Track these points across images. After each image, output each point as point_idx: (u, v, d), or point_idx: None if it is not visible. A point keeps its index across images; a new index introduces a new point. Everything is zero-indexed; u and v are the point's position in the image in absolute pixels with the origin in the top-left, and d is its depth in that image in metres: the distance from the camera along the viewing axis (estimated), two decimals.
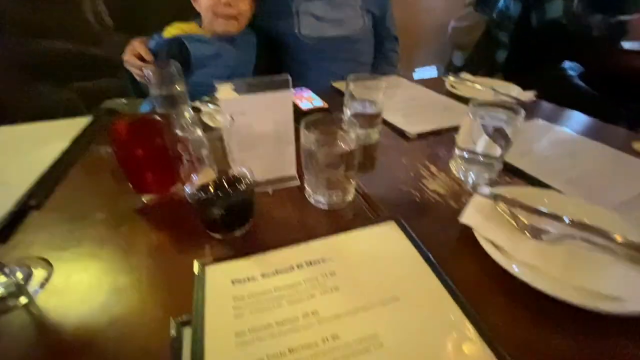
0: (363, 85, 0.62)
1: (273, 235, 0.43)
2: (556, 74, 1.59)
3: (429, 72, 2.18)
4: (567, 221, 0.41)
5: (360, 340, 0.29)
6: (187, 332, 0.31)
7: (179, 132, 0.40)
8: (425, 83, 0.95)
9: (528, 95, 0.83)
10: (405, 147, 0.65)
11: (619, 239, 0.38)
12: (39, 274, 0.37)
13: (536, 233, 0.40)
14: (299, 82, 0.89)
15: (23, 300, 0.35)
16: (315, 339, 0.30)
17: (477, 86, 0.88)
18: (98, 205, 0.48)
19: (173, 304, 0.34)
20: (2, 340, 0.32)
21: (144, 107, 0.96)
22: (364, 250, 0.39)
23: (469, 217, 0.42)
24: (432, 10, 2.01)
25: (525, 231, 0.41)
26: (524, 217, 0.42)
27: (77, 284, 0.37)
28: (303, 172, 0.48)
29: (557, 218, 0.42)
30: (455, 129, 0.56)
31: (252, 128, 0.46)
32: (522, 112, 0.48)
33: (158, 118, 0.47)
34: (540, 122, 0.73)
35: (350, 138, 0.44)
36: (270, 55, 1.11)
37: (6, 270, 0.36)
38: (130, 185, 0.49)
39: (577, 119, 0.78)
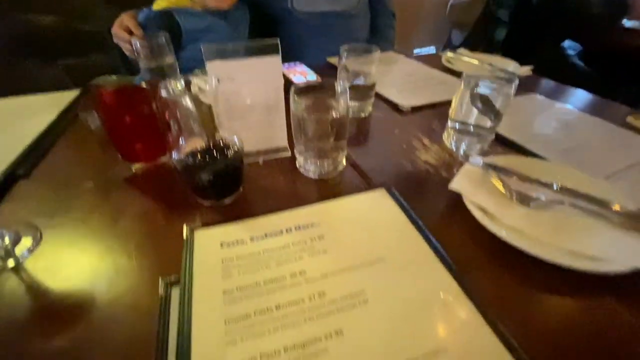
0: (357, 57, 0.61)
1: (263, 203, 0.43)
2: (555, 54, 1.57)
3: (428, 52, 2.14)
4: (555, 187, 0.41)
5: (346, 297, 0.30)
6: (176, 292, 0.31)
7: (166, 97, 0.39)
8: (422, 59, 0.94)
9: (525, 70, 0.82)
10: (399, 120, 0.64)
11: (606, 204, 0.38)
12: (27, 238, 0.37)
13: (525, 200, 0.40)
14: (293, 58, 0.87)
15: (11, 263, 0.35)
16: (302, 296, 0.30)
17: (474, 61, 0.87)
18: (87, 174, 0.48)
19: (162, 266, 0.34)
20: None
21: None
22: (352, 215, 0.40)
23: (458, 183, 0.42)
24: None
25: (514, 198, 0.41)
26: (513, 185, 0.42)
27: (66, 248, 0.37)
28: (294, 143, 0.48)
29: (546, 185, 0.42)
30: (450, 103, 0.55)
31: (240, 95, 0.45)
32: (516, 81, 0.47)
33: (145, 86, 0.46)
34: (535, 97, 0.72)
35: (341, 106, 0.43)
36: (263, 30, 1.08)
37: None
38: (119, 156, 0.48)
39: (574, 94, 0.77)
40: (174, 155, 0.39)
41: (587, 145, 0.56)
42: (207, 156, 0.39)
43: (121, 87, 0.46)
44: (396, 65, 0.90)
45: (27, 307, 0.32)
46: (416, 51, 2.13)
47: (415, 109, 0.66)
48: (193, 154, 0.39)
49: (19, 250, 0.36)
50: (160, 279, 0.32)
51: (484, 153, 0.52)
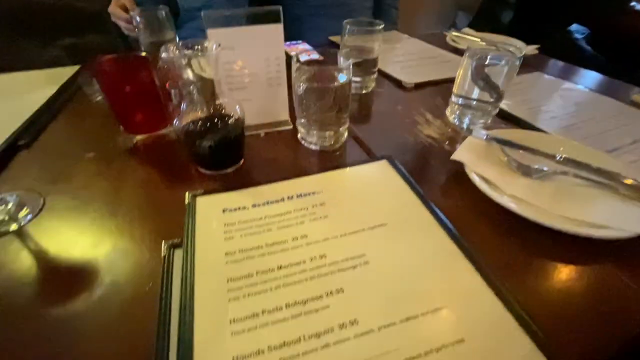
0: (360, 31, 0.60)
1: (264, 173, 0.43)
2: (562, 37, 1.54)
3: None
4: (558, 158, 0.41)
5: (347, 259, 0.30)
6: (178, 254, 0.31)
7: (166, 61, 0.38)
8: (426, 38, 0.92)
9: (531, 49, 0.81)
10: (402, 96, 0.63)
11: (614, 174, 0.37)
12: (30, 204, 0.37)
13: (527, 171, 0.40)
14: (293, 38, 0.86)
15: (14, 227, 0.35)
16: (303, 258, 0.30)
17: (478, 40, 0.85)
18: (88, 145, 0.47)
19: (164, 230, 0.34)
20: None
21: None
22: (354, 184, 0.40)
23: (461, 154, 0.42)
24: None
25: (517, 169, 0.40)
26: (516, 156, 0.42)
27: (69, 213, 0.37)
28: (295, 115, 0.48)
29: (549, 156, 0.41)
30: (453, 80, 0.54)
31: (241, 65, 0.45)
32: (520, 54, 0.47)
33: (145, 55, 0.46)
34: (541, 75, 0.71)
35: (343, 77, 0.43)
36: None
37: None
38: (121, 128, 0.48)
39: (580, 74, 0.76)
40: (175, 122, 0.38)
41: (592, 122, 0.55)
42: (208, 123, 0.38)
43: (121, 55, 0.45)
44: (399, 44, 0.89)
45: (30, 269, 0.32)
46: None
47: (419, 86, 0.65)
48: (194, 121, 0.39)
49: (22, 214, 0.36)
50: (163, 242, 0.32)
51: (487, 128, 0.51)
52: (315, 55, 0.80)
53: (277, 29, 0.44)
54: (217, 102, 0.39)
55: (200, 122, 0.39)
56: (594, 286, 0.30)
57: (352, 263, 0.30)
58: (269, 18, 0.43)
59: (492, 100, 0.50)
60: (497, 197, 0.36)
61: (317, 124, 0.45)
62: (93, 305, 0.28)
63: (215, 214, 0.35)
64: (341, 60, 0.44)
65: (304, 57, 0.77)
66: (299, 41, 0.84)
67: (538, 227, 0.33)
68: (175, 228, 0.34)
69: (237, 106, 0.40)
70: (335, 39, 0.90)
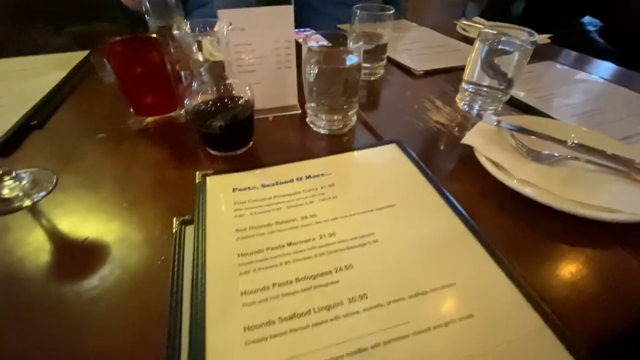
0: (370, 16, 0.60)
1: (273, 156, 0.43)
2: (574, 29, 1.51)
3: None
4: (570, 143, 0.40)
5: (356, 238, 0.30)
6: (189, 230, 0.32)
7: (178, 37, 0.38)
8: (435, 27, 0.91)
9: (542, 38, 0.79)
10: (411, 83, 0.63)
11: (630, 161, 0.37)
12: (43, 181, 0.38)
13: (537, 156, 0.40)
14: (302, 26, 0.85)
15: (28, 203, 0.35)
16: (313, 235, 0.30)
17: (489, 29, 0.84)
18: (100, 126, 0.48)
19: (174, 208, 0.35)
20: (11, 235, 0.33)
21: None
22: (363, 166, 0.40)
23: (471, 138, 0.41)
24: None
25: (527, 154, 0.40)
26: (526, 141, 0.41)
27: (80, 191, 0.38)
28: (304, 100, 0.48)
29: (560, 142, 0.41)
30: (464, 69, 0.54)
31: (251, 47, 0.44)
32: (533, 38, 0.46)
33: (156, 37, 0.46)
34: (553, 64, 0.70)
35: (354, 58, 0.43)
36: None
37: (13, 174, 0.37)
38: (132, 110, 0.48)
39: (592, 63, 0.75)
40: (186, 102, 0.39)
41: (604, 110, 0.54)
42: (218, 104, 0.39)
43: (132, 36, 0.45)
44: (409, 32, 0.88)
45: (44, 243, 0.32)
46: None
47: (428, 73, 0.65)
48: (205, 102, 0.39)
49: (36, 191, 0.37)
50: (174, 219, 0.32)
51: (497, 115, 0.51)
52: (324, 42, 0.79)
53: (288, 10, 0.43)
54: (227, 82, 0.40)
55: (210, 103, 0.39)
56: (603, 269, 0.30)
57: (361, 241, 0.30)
58: (279, 0, 0.43)
59: (502, 87, 0.50)
60: (506, 180, 0.36)
61: (326, 107, 0.45)
62: (106, 278, 0.29)
63: (225, 192, 0.35)
64: (351, 44, 0.43)
65: (312, 45, 0.77)
66: (308, 29, 0.84)
67: (548, 211, 0.33)
68: (185, 206, 0.34)
69: (247, 87, 0.40)
70: (344, 27, 0.89)
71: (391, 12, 0.59)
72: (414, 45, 0.79)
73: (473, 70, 0.51)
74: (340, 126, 0.47)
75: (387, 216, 0.32)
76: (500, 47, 0.48)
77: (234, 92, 0.40)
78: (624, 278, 0.29)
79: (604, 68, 0.72)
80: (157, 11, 0.66)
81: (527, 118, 0.48)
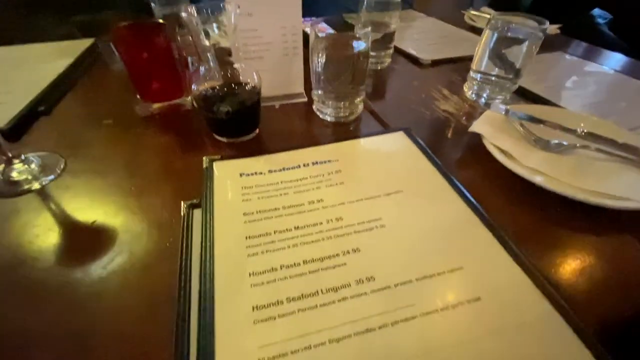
0: (377, 6, 0.59)
1: (279, 143, 0.43)
2: (584, 22, 1.48)
3: None
4: (579, 132, 0.40)
5: (363, 222, 0.30)
6: (197, 214, 0.32)
7: (185, 21, 0.38)
8: (443, 17, 0.89)
9: (552, 29, 0.78)
10: (418, 72, 0.62)
11: (633, 147, 0.37)
12: (52, 165, 0.38)
13: (547, 144, 0.40)
14: (305, 13, 0.84)
15: (37, 186, 0.36)
16: (320, 220, 0.30)
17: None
18: (107, 112, 0.48)
19: (182, 192, 0.35)
20: (20, 217, 0.33)
21: None
22: (370, 153, 0.40)
23: (479, 126, 0.41)
24: None
25: (535, 143, 0.40)
26: (535, 130, 0.41)
27: (88, 175, 0.38)
28: (311, 87, 0.47)
29: (569, 131, 0.41)
30: (471, 58, 0.53)
31: (258, 33, 0.44)
32: (544, 26, 0.45)
33: (162, 22, 0.45)
34: (562, 55, 0.69)
35: (361, 44, 0.42)
36: None
37: (22, 157, 0.37)
38: (138, 97, 0.48)
39: (602, 54, 0.74)
40: (193, 87, 0.39)
41: (613, 100, 0.53)
42: (225, 89, 0.38)
43: (139, 22, 0.45)
44: (416, 22, 0.87)
45: (52, 225, 0.33)
46: None
47: (435, 63, 0.64)
48: (212, 87, 0.39)
49: (44, 175, 0.37)
50: (182, 202, 0.33)
51: (505, 104, 0.50)
52: (330, 32, 0.79)
53: None
54: (234, 68, 0.39)
55: (217, 88, 0.39)
56: (612, 256, 0.30)
57: (368, 226, 0.30)
58: None
59: (511, 76, 0.49)
60: (515, 168, 0.36)
61: (333, 94, 0.45)
62: (115, 259, 0.29)
63: (232, 177, 0.35)
64: (358, 30, 0.43)
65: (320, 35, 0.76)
66: (313, 18, 0.83)
67: (556, 198, 0.33)
68: (192, 191, 0.34)
69: (254, 73, 0.40)
70: (350, 18, 0.88)
71: (398, 0, 0.58)
72: (421, 35, 0.78)
73: (481, 59, 0.50)
74: (347, 114, 0.46)
75: (394, 202, 0.32)
76: (510, 35, 0.47)
77: (240, 78, 0.40)
78: (633, 265, 0.29)
79: (614, 59, 0.71)
80: None
81: (536, 107, 0.48)
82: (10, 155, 0.37)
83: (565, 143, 0.39)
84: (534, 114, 0.43)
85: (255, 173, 0.36)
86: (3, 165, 0.37)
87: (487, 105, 0.49)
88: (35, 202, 0.35)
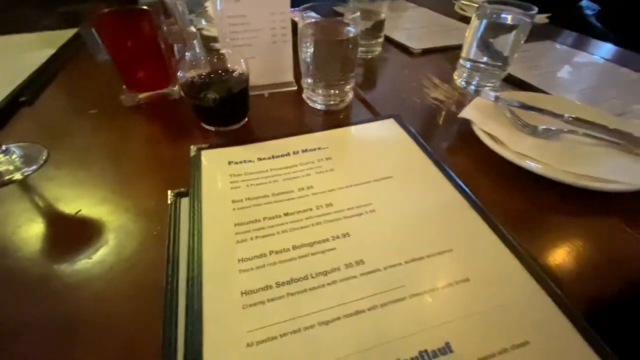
0: None
1: (269, 131, 0.43)
2: (573, 14, 1.50)
3: None
4: (566, 117, 0.40)
5: (353, 208, 0.30)
6: (184, 202, 0.31)
7: (171, 18, 0.37)
8: (433, 7, 0.89)
9: (541, 18, 0.78)
10: (408, 61, 0.62)
11: (626, 133, 0.37)
12: (34, 155, 0.37)
13: (535, 130, 0.40)
14: (294, 3, 0.83)
15: (18, 176, 0.35)
16: (310, 206, 0.30)
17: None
18: (91, 102, 0.47)
19: (168, 181, 0.34)
20: (2, 208, 0.32)
21: None
22: (360, 140, 0.39)
23: (468, 112, 0.41)
24: None
25: (524, 128, 0.40)
26: (523, 116, 0.41)
27: (72, 165, 0.37)
28: (301, 76, 0.47)
29: (557, 116, 0.41)
30: (461, 47, 0.53)
31: (246, 19, 0.43)
32: (532, 12, 0.45)
33: (147, 8, 0.44)
34: (551, 43, 0.70)
35: (351, 29, 0.42)
36: None
37: (3, 147, 0.36)
38: (124, 86, 0.47)
39: (590, 43, 0.74)
40: (180, 74, 0.38)
41: (601, 87, 0.54)
42: (212, 76, 0.38)
43: (123, 9, 0.44)
44: (406, 12, 0.86)
45: (35, 217, 0.32)
46: None
47: (426, 52, 0.64)
48: (199, 74, 0.38)
49: (26, 165, 0.36)
50: (169, 191, 0.32)
51: (495, 91, 0.50)
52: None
53: None
54: (221, 54, 0.39)
55: (204, 75, 0.38)
56: (598, 237, 0.30)
57: (357, 211, 0.30)
58: None
59: (500, 63, 0.49)
60: (504, 153, 0.36)
61: (322, 81, 0.44)
62: (100, 248, 0.28)
63: (220, 165, 0.35)
64: (348, 15, 0.42)
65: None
66: (301, 7, 0.82)
67: (544, 182, 0.33)
68: (179, 180, 0.33)
69: (242, 60, 0.39)
70: (342, 9, 0.87)
71: None
72: (412, 24, 0.77)
73: (471, 47, 0.50)
74: (337, 101, 0.46)
75: (384, 187, 0.32)
76: (498, 21, 0.47)
77: (228, 65, 0.40)
78: (618, 245, 0.30)
79: (603, 48, 0.72)
80: None
81: (525, 94, 0.48)
82: None
83: (553, 128, 0.39)
84: (523, 101, 0.43)
85: (244, 161, 0.35)
86: None
87: (477, 92, 0.49)
88: (17, 193, 0.34)
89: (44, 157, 0.37)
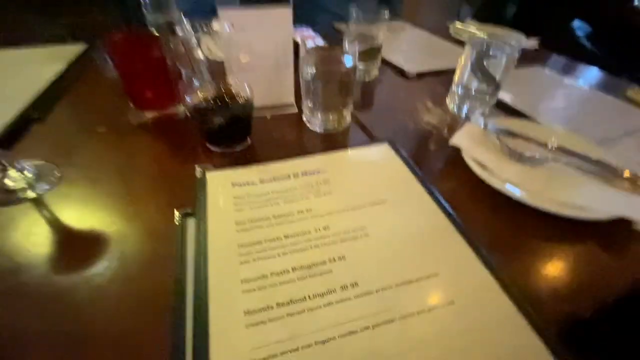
0: (365, 18, 0.61)
1: (270, 152, 0.45)
2: (564, 34, 1.55)
3: None
4: (550, 147, 0.43)
5: (348, 231, 0.32)
6: (190, 222, 0.33)
7: (180, 37, 0.40)
8: (430, 29, 0.93)
9: (531, 43, 0.82)
10: (404, 84, 0.65)
11: (609, 166, 0.40)
12: (47, 173, 0.39)
13: (521, 157, 0.42)
14: (296, 20, 0.86)
15: (31, 194, 0.37)
16: (308, 229, 0.32)
17: (481, 32, 0.86)
18: (100, 120, 0.49)
19: (175, 201, 0.36)
20: (16, 226, 0.34)
21: None
22: (356, 164, 0.42)
23: (459, 139, 0.44)
24: None
25: (510, 155, 0.43)
26: (510, 143, 0.44)
27: (84, 183, 0.39)
28: (301, 99, 0.49)
29: (541, 144, 0.44)
30: (455, 71, 0.56)
31: (251, 46, 0.46)
32: (519, 46, 0.48)
33: (156, 33, 0.47)
34: (539, 69, 0.73)
35: (350, 61, 0.44)
36: None
37: (17, 165, 0.38)
38: (132, 105, 0.50)
39: (579, 68, 0.78)
40: (187, 98, 0.40)
41: (585, 114, 0.57)
42: (218, 101, 0.40)
43: (133, 32, 0.46)
44: (403, 33, 0.90)
45: (49, 234, 0.34)
46: None
47: (421, 75, 0.67)
48: (205, 99, 0.41)
49: (40, 183, 0.38)
50: (175, 210, 0.34)
51: (485, 117, 0.53)
52: (319, 41, 0.81)
53: (287, 12, 0.45)
54: (227, 80, 0.41)
55: (210, 100, 0.41)
56: (576, 262, 0.33)
57: (353, 234, 0.32)
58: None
59: (490, 90, 0.52)
60: (490, 180, 0.38)
61: (322, 106, 0.47)
62: (112, 267, 0.30)
63: (225, 187, 0.37)
64: (347, 46, 0.45)
65: (308, 43, 0.79)
66: (303, 26, 0.85)
67: (528, 209, 0.36)
68: (185, 199, 0.35)
69: (246, 86, 0.41)
70: (340, 26, 0.91)
71: (386, 12, 0.61)
72: (408, 46, 0.81)
73: (463, 74, 0.53)
74: (335, 125, 0.49)
75: (378, 211, 0.35)
76: (488, 52, 0.50)
77: (233, 90, 0.42)
78: (594, 270, 0.32)
79: (590, 74, 0.76)
80: (156, 5, 0.67)
81: (513, 121, 0.51)
82: (4, 163, 0.37)
83: (537, 156, 0.42)
84: (511, 127, 0.46)
85: (247, 183, 0.38)
86: None
87: (468, 118, 0.52)
88: (31, 211, 0.35)
89: (56, 175, 0.39)
